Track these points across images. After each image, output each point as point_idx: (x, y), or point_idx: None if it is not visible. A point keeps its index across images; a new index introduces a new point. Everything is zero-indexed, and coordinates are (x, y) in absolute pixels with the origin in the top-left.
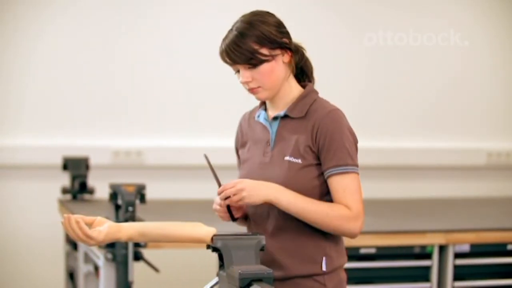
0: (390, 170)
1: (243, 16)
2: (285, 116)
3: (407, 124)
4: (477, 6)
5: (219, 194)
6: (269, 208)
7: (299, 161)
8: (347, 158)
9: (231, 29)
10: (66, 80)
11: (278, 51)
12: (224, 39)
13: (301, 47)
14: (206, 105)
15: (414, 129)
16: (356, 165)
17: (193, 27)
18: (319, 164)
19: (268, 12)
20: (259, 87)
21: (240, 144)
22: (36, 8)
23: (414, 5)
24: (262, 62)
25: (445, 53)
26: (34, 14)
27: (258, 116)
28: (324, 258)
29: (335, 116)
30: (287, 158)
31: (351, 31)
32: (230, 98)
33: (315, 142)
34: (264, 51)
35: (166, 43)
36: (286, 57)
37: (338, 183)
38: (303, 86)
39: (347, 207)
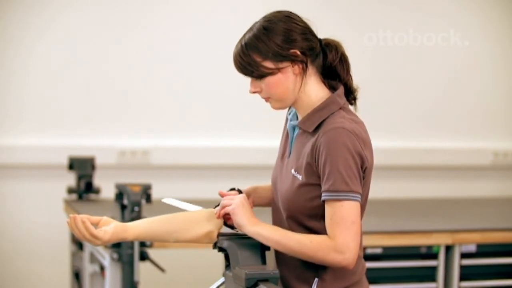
0: (395, 170)
1: (260, 20)
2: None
3: (412, 124)
4: (477, 6)
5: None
6: (276, 218)
7: (300, 177)
8: (340, 183)
9: (243, 36)
10: (72, 80)
11: (285, 64)
12: (236, 45)
13: (335, 45)
14: (212, 104)
15: (419, 129)
16: (353, 191)
17: (199, 26)
18: (320, 185)
19: (284, 16)
20: (268, 97)
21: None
22: (41, 4)
23: (414, 5)
24: (265, 75)
25: (445, 53)
26: (39, 9)
27: (290, 113)
28: (316, 280)
29: (333, 135)
30: (292, 171)
31: (351, 31)
32: (236, 98)
33: (315, 162)
34: (268, 64)
35: (172, 43)
36: (297, 69)
37: (327, 210)
38: (335, 88)
39: (331, 237)
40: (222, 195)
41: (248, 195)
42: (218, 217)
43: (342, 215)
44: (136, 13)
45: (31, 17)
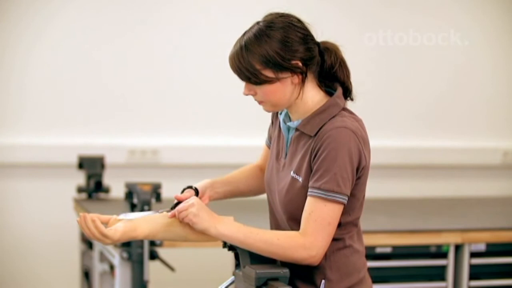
0: (405, 169)
1: (261, 22)
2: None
3: (416, 124)
4: (477, 6)
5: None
6: (275, 221)
7: (301, 179)
8: (332, 183)
9: (243, 35)
10: (82, 79)
11: (285, 74)
12: (234, 45)
13: (334, 50)
14: (222, 103)
15: (422, 129)
16: (342, 193)
17: (205, 23)
18: None
19: (286, 22)
20: (262, 101)
21: (271, 134)
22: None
23: (414, 5)
24: (263, 83)
25: (445, 53)
26: (44, 2)
27: (280, 113)
28: (323, 282)
29: (336, 135)
30: (292, 173)
31: (351, 31)
32: (246, 97)
33: (313, 161)
34: (268, 73)
35: (181, 41)
36: (296, 79)
37: (309, 204)
38: (332, 92)
39: (302, 232)
40: (178, 199)
41: (205, 190)
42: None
43: (322, 215)
44: (145, 8)
45: (36, 13)
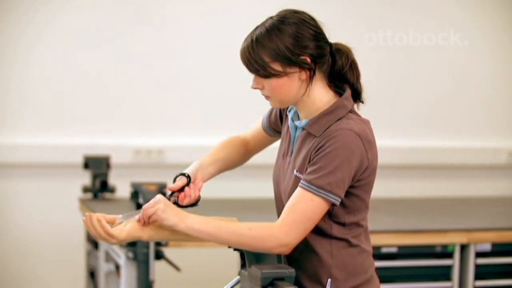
0: (411, 169)
1: (274, 17)
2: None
3: (418, 123)
4: (477, 6)
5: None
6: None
7: None
8: (324, 181)
9: (255, 29)
10: (87, 79)
11: (293, 69)
12: (246, 38)
13: (346, 51)
14: (227, 103)
15: (427, 128)
16: (332, 193)
17: (209, 22)
18: None
19: (299, 18)
20: (269, 96)
21: (271, 122)
22: None
23: (414, 5)
24: (271, 76)
25: (445, 53)
26: (45, 3)
27: (289, 111)
28: (329, 281)
29: (340, 136)
30: (295, 171)
31: (350, 31)
32: (250, 96)
33: (312, 155)
34: (276, 66)
35: (184, 41)
36: (304, 75)
37: (297, 194)
38: (342, 93)
39: (280, 219)
40: (171, 190)
41: (196, 173)
42: (146, 225)
43: (305, 208)
44: (142, 12)
45: (36, 13)
